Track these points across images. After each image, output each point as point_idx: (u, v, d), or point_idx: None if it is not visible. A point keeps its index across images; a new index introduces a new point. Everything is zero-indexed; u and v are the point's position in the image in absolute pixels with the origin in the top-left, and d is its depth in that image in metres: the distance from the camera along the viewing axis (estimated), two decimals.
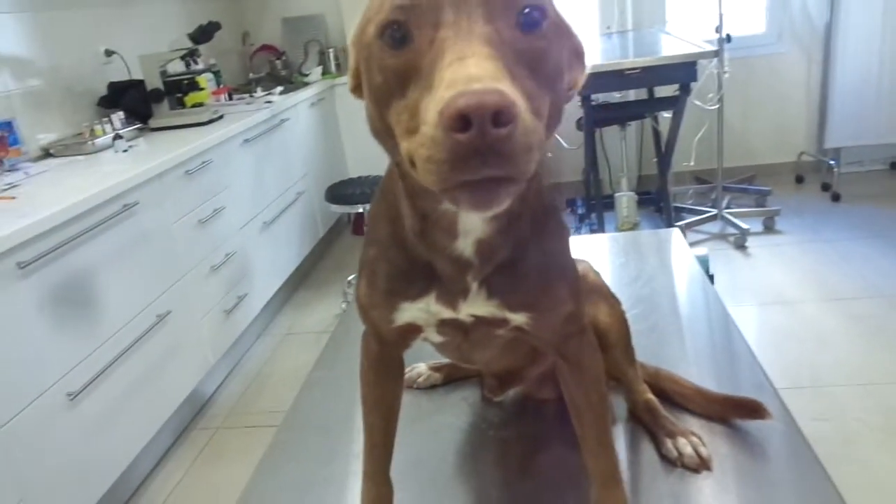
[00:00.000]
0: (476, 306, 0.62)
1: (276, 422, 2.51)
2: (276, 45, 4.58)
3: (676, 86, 3.23)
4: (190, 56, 3.21)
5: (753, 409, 0.84)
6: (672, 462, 0.82)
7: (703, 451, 0.80)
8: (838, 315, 2.78)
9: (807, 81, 4.25)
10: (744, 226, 3.52)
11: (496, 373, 0.88)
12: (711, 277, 1.33)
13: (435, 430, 0.93)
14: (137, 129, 3.00)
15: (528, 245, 0.61)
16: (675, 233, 1.47)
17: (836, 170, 4.04)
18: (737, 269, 3.31)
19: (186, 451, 2.44)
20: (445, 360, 1.04)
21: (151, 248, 2.34)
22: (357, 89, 0.55)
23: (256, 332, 3.20)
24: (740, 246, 3.51)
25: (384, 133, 0.50)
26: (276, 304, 3.42)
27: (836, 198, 3.95)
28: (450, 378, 1.03)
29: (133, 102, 3.09)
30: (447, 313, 0.63)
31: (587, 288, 0.83)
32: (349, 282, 3.42)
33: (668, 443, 0.82)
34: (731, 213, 3.64)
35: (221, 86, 3.74)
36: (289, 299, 3.57)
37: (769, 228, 3.68)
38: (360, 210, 3.13)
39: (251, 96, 3.66)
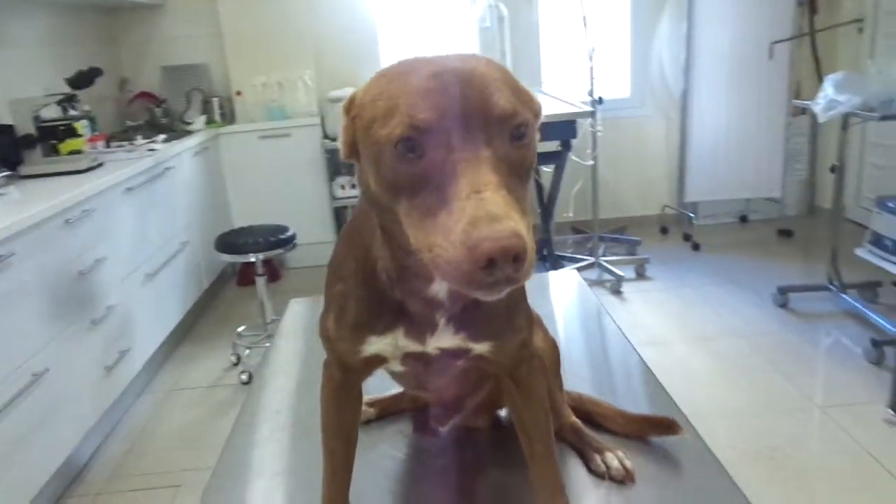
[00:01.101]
0: (443, 340, 0.68)
1: (162, 484, 2.38)
2: (155, 92, 4.46)
3: (557, 142, 3.47)
4: (68, 101, 3.07)
5: (668, 426, 0.93)
6: (600, 476, 0.89)
7: (628, 464, 0.88)
8: (704, 353, 3.04)
9: (667, 141, 4.70)
10: (619, 272, 3.78)
11: (445, 401, 0.92)
12: None
13: (374, 461, 0.95)
14: (6, 176, 2.81)
15: None
16: (575, 275, 1.59)
17: (695, 222, 4.45)
18: (614, 312, 3.53)
19: None
20: (379, 396, 1.06)
21: (27, 301, 2.19)
22: (352, 157, 0.61)
23: (138, 389, 3.03)
24: (616, 291, 3.76)
25: (384, 207, 0.57)
26: (160, 359, 3.26)
27: (696, 247, 4.34)
28: (383, 413, 1.05)
29: (1, 149, 2.90)
30: (415, 347, 0.68)
31: None
32: (239, 334, 3.32)
33: (597, 458, 0.90)
34: (606, 261, 3.90)
35: (97, 133, 3.58)
36: (172, 354, 3.40)
37: (640, 275, 3.97)
38: (252, 259, 3.07)
39: (132, 144, 3.54)
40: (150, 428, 2.79)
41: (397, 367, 0.73)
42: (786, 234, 4.44)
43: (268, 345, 3.26)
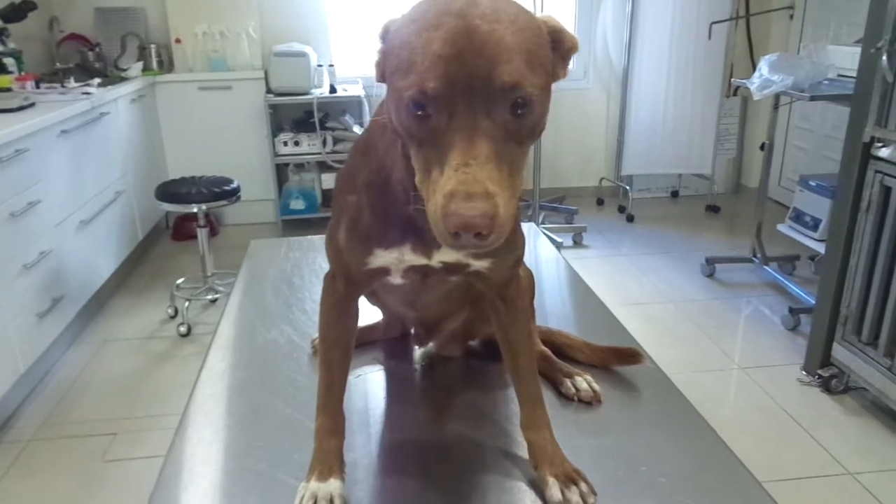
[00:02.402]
0: (448, 254, 0.72)
1: (97, 432, 2.34)
2: (87, 35, 4.25)
3: None
4: None
5: (631, 356, 1.00)
6: (570, 398, 0.95)
7: (596, 386, 0.95)
8: (636, 317, 3.18)
9: (607, 115, 4.82)
10: (558, 239, 3.89)
11: (425, 321, 0.96)
12: None
13: (355, 383, 0.98)
14: None
15: None
16: (534, 226, 1.64)
17: (630, 195, 4.61)
18: None
19: None
20: None
21: None
22: (382, 81, 0.64)
23: (70, 338, 2.93)
24: None
25: (403, 138, 0.62)
26: (93, 309, 3.16)
27: (630, 219, 4.50)
28: (357, 343, 1.07)
29: None
30: (420, 261, 0.72)
31: None
32: (178, 286, 3.25)
33: (567, 382, 0.96)
34: (546, 229, 4.00)
35: (24, 73, 3.40)
36: (105, 304, 3.31)
37: (577, 243, 4.10)
38: (195, 210, 3.00)
39: (64, 86, 3.38)
40: (83, 378, 2.71)
41: (397, 279, 0.76)
42: (713, 209, 4.66)
43: (209, 297, 3.23)
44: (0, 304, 2.30)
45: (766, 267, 3.48)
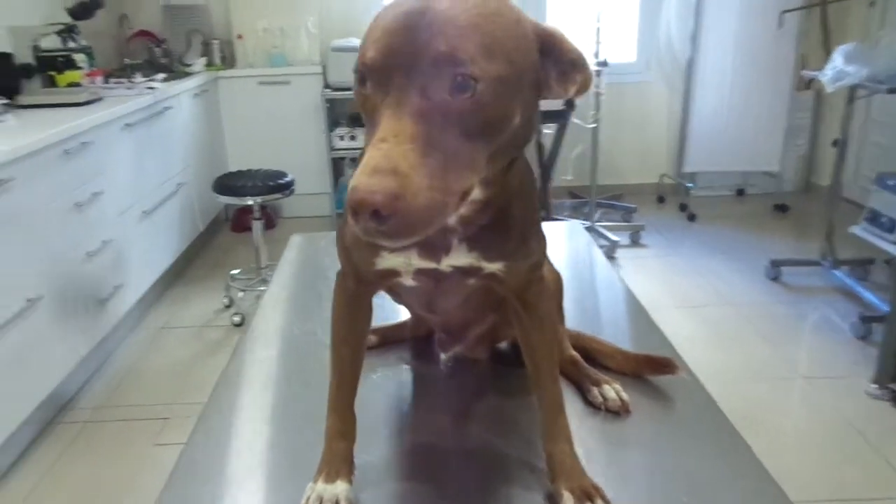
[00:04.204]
0: (457, 259, 0.69)
1: (150, 416, 2.40)
2: (155, 31, 4.38)
3: (562, 101, 3.44)
4: (67, 32, 3.02)
5: (665, 365, 0.95)
6: (597, 407, 0.90)
7: (625, 395, 0.90)
8: (693, 320, 3.07)
9: (669, 110, 4.67)
10: (614, 238, 3.80)
11: (449, 325, 0.93)
12: None
13: (376, 384, 0.96)
14: (4, 104, 2.77)
15: (509, 210, 0.68)
16: (579, 225, 1.59)
17: (692, 192, 4.45)
18: None
19: (51, 446, 2.27)
20: (380, 325, 1.08)
21: (24, 228, 2.18)
22: None
23: (131, 325, 3.04)
24: (610, 256, 3.78)
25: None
26: (153, 297, 3.26)
27: (691, 217, 4.35)
28: (384, 341, 1.06)
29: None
30: (429, 264, 0.69)
31: None
32: (233, 276, 3.32)
33: (594, 390, 0.91)
34: (602, 227, 3.91)
35: (94, 68, 3.53)
36: (165, 293, 3.41)
37: (635, 242, 3.99)
38: (250, 202, 3.06)
39: (130, 81, 3.50)
40: (140, 363, 2.80)
41: (409, 281, 0.73)
42: (781, 209, 4.45)
43: (262, 288, 3.29)
44: (64, 290, 2.39)
45: (835, 271, 3.31)
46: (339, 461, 0.74)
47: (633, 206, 4.35)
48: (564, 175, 4.12)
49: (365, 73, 0.53)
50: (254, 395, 0.97)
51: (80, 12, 2.99)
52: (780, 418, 2.37)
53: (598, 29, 3.66)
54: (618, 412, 0.89)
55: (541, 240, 0.74)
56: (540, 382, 0.77)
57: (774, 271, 3.44)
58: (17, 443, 2.18)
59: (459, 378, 0.98)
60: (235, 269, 3.41)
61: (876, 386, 2.47)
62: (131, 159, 3.01)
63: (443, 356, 0.98)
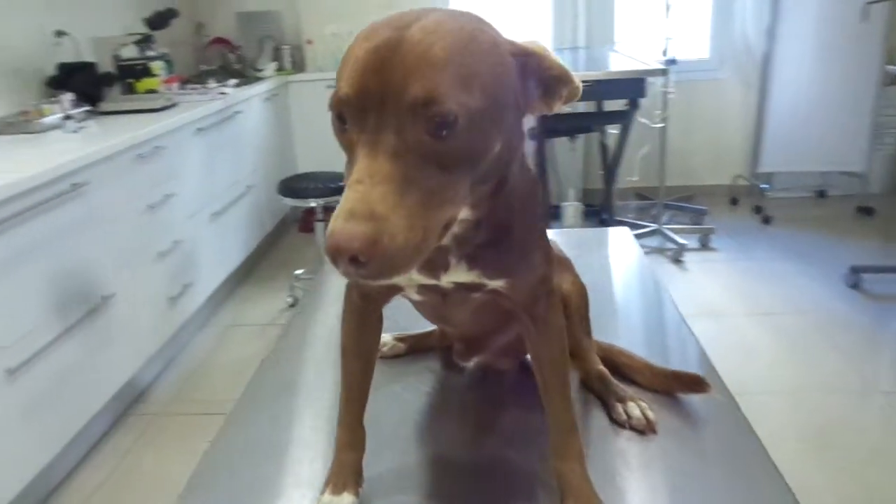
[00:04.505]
0: (457, 276, 0.68)
1: (218, 410, 2.49)
2: (230, 38, 4.54)
3: (625, 101, 3.36)
4: (145, 41, 3.16)
5: (696, 383, 0.91)
6: (621, 425, 0.88)
7: (650, 414, 0.87)
8: (765, 328, 2.94)
9: (744, 108, 4.48)
10: (681, 241, 3.68)
11: (466, 336, 0.93)
12: None
13: (398, 393, 0.97)
14: (87, 111, 2.94)
15: (510, 226, 0.66)
16: (627, 231, 1.55)
17: (767, 194, 4.26)
18: (673, 281, 3.46)
19: (123, 436, 2.40)
20: (410, 332, 1.08)
21: (99, 228, 2.30)
22: None
23: (199, 322, 3.16)
24: (677, 260, 3.67)
25: None
26: (221, 295, 3.38)
27: (766, 220, 4.17)
28: (413, 349, 1.07)
29: (83, 85, 3.02)
30: (430, 281, 0.69)
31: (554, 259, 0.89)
32: (296, 276, 3.41)
33: (619, 407, 0.89)
34: (669, 229, 3.80)
35: (173, 74, 3.69)
36: (233, 292, 3.53)
37: (704, 245, 3.85)
38: (313, 205, 3.13)
39: (204, 87, 3.64)
40: (208, 359, 2.91)
41: (415, 296, 0.73)
42: (866, 211, 4.20)
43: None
44: (136, 287, 2.51)
45: None
46: (346, 473, 0.75)
47: (703, 208, 4.20)
48: (630, 176, 4.02)
49: (341, 110, 0.53)
50: (282, 399, 0.99)
51: (156, 22, 3.12)
52: (856, 435, 2.24)
53: (667, 25, 3.55)
54: (643, 431, 0.86)
55: (546, 254, 0.72)
56: (550, 400, 0.76)
57: (854, 278, 3.25)
58: (90, 433, 2.31)
59: (482, 389, 0.97)
60: (300, 268, 3.50)
61: None
62: (202, 162, 3.13)
63: (463, 366, 0.98)
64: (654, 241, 3.87)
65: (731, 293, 3.30)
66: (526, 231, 0.68)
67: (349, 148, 0.53)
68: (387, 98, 0.50)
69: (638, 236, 3.73)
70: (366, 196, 0.48)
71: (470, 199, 0.57)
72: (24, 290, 1.93)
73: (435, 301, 0.74)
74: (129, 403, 2.57)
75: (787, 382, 2.55)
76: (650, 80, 3.38)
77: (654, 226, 3.84)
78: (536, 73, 0.57)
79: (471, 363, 0.97)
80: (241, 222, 3.58)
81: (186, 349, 2.99)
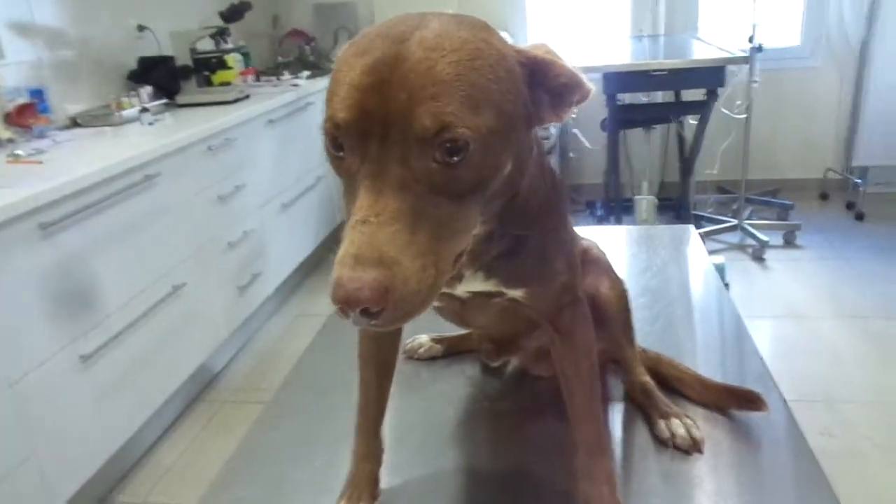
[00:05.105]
0: (473, 285, 0.64)
1: None
2: (306, 30, 4.61)
3: (704, 91, 3.20)
4: (220, 34, 3.24)
5: (751, 400, 0.83)
6: (664, 442, 0.82)
7: (696, 433, 0.80)
8: (853, 332, 2.75)
9: (838, 98, 4.19)
10: (763, 238, 3.48)
11: (493, 338, 0.88)
12: (727, 286, 1.32)
13: (431, 398, 0.94)
14: (164, 104, 3.04)
15: (527, 235, 0.62)
16: (690, 229, 1.46)
17: (862, 189, 3.98)
18: (753, 280, 3.29)
19: (193, 422, 2.47)
20: (447, 333, 1.04)
21: (171, 219, 2.37)
22: None
23: (268, 311, 3.23)
24: (758, 258, 3.48)
25: None
26: (290, 286, 3.45)
27: (859, 217, 3.89)
28: (450, 350, 1.03)
29: (162, 78, 3.12)
30: (444, 289, 0.64)
31: (590, 261, 0.83)
32: None
33: (662, 423, 0.82)
34: (751, 225, 3.61)
35: (249, 67, 3.77)
36: (302, 283, 3.59)
37: (789, 242, 3.64)
38: None
39: (278, 79, 3.70)
40: (276, 348, 2.97)
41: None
42: None
43: None
44: (206, 276, 2.58)
45: None
46: (363, 484, 0.72)
47: (789, 202, 3.97)
48: (711, 169, 3.83)
49: (338, 137, 0.48)
50: (317, 398, 0.98)
51: (230, 15, 3.19)
52: None
53: (754, 10, 3.35)
54: (687, 450, 0.80)
55: (570, 261, 0.67)
56: (576, 419, 0.70)
57: None
58: (163, 418, 2.40)
59: (516, 397, 0.93)
60: None
61: None
62: (273, 154, 3.18)
63: (495, 367, 0.93)
64: (734, 238, 3.68)
65: (817, 294, 3.11)
66: (545, 238, 0.63)
67: (347, 176, 0.49)
68: (390, 124, 0.45)
69: (717, 232, 3.61)
70: (373, 238, 0.44)
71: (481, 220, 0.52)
72: (98, 277, 2.01)
73: (454, 306, 0.70)
74: (201, 389, 2.65)
75: (874, 390, 2.37)
76: (734, 68, 3.20)
77: (734, 221, 3.65)
78: (545, 81, 0.52)
79: (499, 363, 0.92)
80: (311, 213, 3.64)
81: (255, 338, 3.06)
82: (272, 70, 4.11)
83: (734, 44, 3.44)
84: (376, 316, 0.44)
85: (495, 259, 0.61)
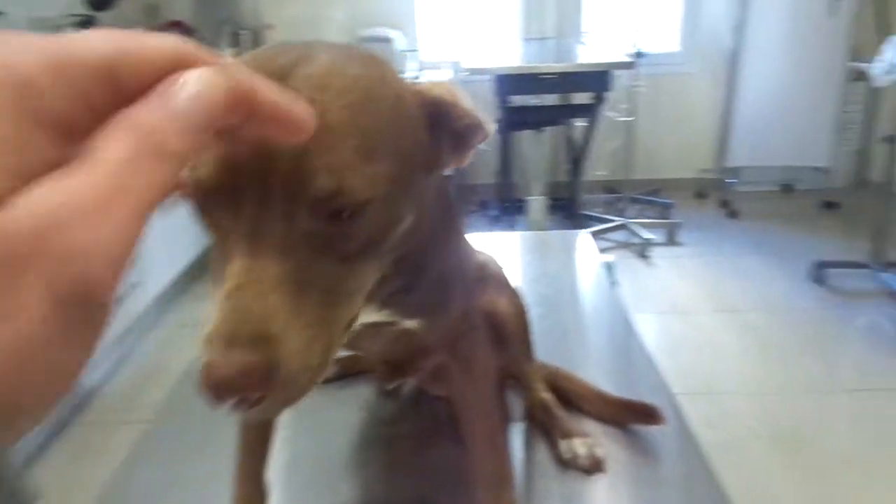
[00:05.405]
0: (365, 317, 0.57)
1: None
2: (186, 21, 4.36)
3: (592, 95, 3.29)
4: (87, 25, 3.00)
5: (649, 414, 0.83)
6: (566, 463, 0.79)
7: (599, 452, 0.79)
8: (732, 326, 2.90)
9: (712, 102, 4.44)
10: (647, 236, 3.63)
11: (388, 362, 0.83)
12: (615, 284, 1.33)
13: (321, 426, 0.87)
14: None
15: (423, 267, 0.57)
16: (583, 235, 1.47)
17: (734, 188, 4.23)
18: (639, 277, 3.41)
19: (65, 446, 2.26)
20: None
21: None
22: None
23: (149, 323, 3.02)
24: (643, 255, 3.62)
25: None
26: (172, 294, 3.25)
27: (733, 214, 4.14)
28: (343, 372, 0.97)
29: None
30: None
31: (488, 277, 0.80)
32: None
33: (564, 444, 0.80)
34: (635, 224, 3.75)
35: None
36: (185, 290, 3.39)
37: (671, 240, 3.81)
38: None
39: None
40: (159, 362, 2.79)
41: None
42: (831, 206, 4.19)
43: None
44: None
45: (885, 273, 3.08)
46: None
47: (669, 201, 4.16)
48: (598, 170, 3.95)
49: (202, 200, 0.38)
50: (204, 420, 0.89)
51: (99, 3, 2.96)
52: (823, 434, 2.21)
53: (634, 18, 3.48)
54: (590, 471, 0.78)
55: (468, 288, 0.63)
56: (476, 450, 0.66)
57: (819, 273, 3.23)
58: (28, 443, 2.18)
59: (414, 420, 0.88)
60: None
61: None
62: None
63: (390, 390, 0.88)
64: (620, 236, 3.81)
65: (697, 290, 3.26)
66: (442, 267, 0.59)
67: (219, 234, 0.39)
68: (270, 180, 0.37)
69: (605, 231, 3.72)
70: (250, 309, 0.36)
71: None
72: None
73: None
74: (73, 411, 2.43)
75: (755, 381, 2.51)
76: (618, 73, 3.31)
77: (620, 220, 3.78)
78: (447, 123, 0.46)
79: (395, 385, 0.87)
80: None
81: (135, 352, 2.85)
82: None
83: (618, 49, 3.56)
84: (257, 403, 0.36)
85: (390, 295, 0.56)
